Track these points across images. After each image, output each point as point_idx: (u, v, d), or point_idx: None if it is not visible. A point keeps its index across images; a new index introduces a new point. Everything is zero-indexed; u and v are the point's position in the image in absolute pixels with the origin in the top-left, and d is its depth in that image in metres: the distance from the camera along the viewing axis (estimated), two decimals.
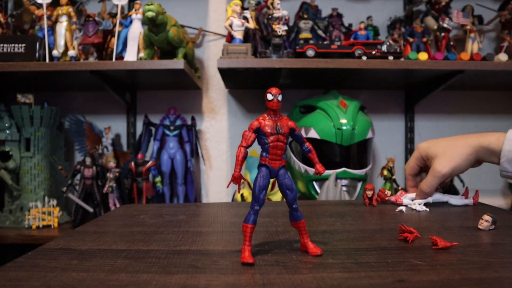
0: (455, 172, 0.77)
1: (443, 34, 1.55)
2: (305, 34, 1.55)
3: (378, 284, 0.36)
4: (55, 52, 1.46)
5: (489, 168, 0.87)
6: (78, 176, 1.48)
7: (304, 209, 0.76)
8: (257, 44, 1.47)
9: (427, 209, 0.74)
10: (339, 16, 1.69)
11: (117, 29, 1.48)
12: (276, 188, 0.47)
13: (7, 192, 1.54)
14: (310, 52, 1.42)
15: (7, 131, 1.50)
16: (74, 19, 1.52)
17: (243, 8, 1.46)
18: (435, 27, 1.60)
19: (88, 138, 1.69)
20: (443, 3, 1.66)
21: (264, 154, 0.45)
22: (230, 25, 1.41)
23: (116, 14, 1.55)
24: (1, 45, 1.45)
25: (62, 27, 1.50)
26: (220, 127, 1.86)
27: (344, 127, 1.37)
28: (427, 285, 0.36)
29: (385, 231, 0.58)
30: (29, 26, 1.65)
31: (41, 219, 1.44)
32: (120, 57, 1.48)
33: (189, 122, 1.69)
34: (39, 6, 1.52)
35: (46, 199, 1.47)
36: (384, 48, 1.44)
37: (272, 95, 0.44)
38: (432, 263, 0.42)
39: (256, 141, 0.45)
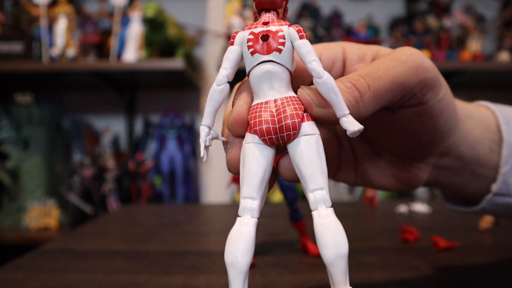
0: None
1: (444, 33, 1.55)
2: None
3: (379, 285, 0.36)
4: (53, 52, 1.45)
5: None
6: (77, 177, 1.48)
7: (304, 209, 0.75)
8: None
9: (427, 209, 0.74)
10: (340, 15, 1.69)
11: (116, 28, 1.47)
12: (276, 188, 0.47)
13: (5, 193, 1.54)
14: None
15: (6, 131, 1.50)
16: (73, 19, 1.52)
17: (243, 8, 1.45)
18: (436, 26, 1.59)
19: (87, 138, 1.68)
20: (445, 2, 1.66)
21: None
22: (230, 25, 1.41)
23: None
24: None
25: (60, 26, 1.50)
26: (220, 127, 1.84)
27: None
28: (428, 286, 0.35)
29: (386, 232, 0.58)
30: (27, 26, 1.65)
31: (39, 220, 1.44)
32: (119, 57, 1.48)
33: (188, 122, 1.69)
34: (38, 5, 1.52)
35: (45, 199, 1.46)
36: None
37: None
38: (433, 264, 0.41)
39: None
